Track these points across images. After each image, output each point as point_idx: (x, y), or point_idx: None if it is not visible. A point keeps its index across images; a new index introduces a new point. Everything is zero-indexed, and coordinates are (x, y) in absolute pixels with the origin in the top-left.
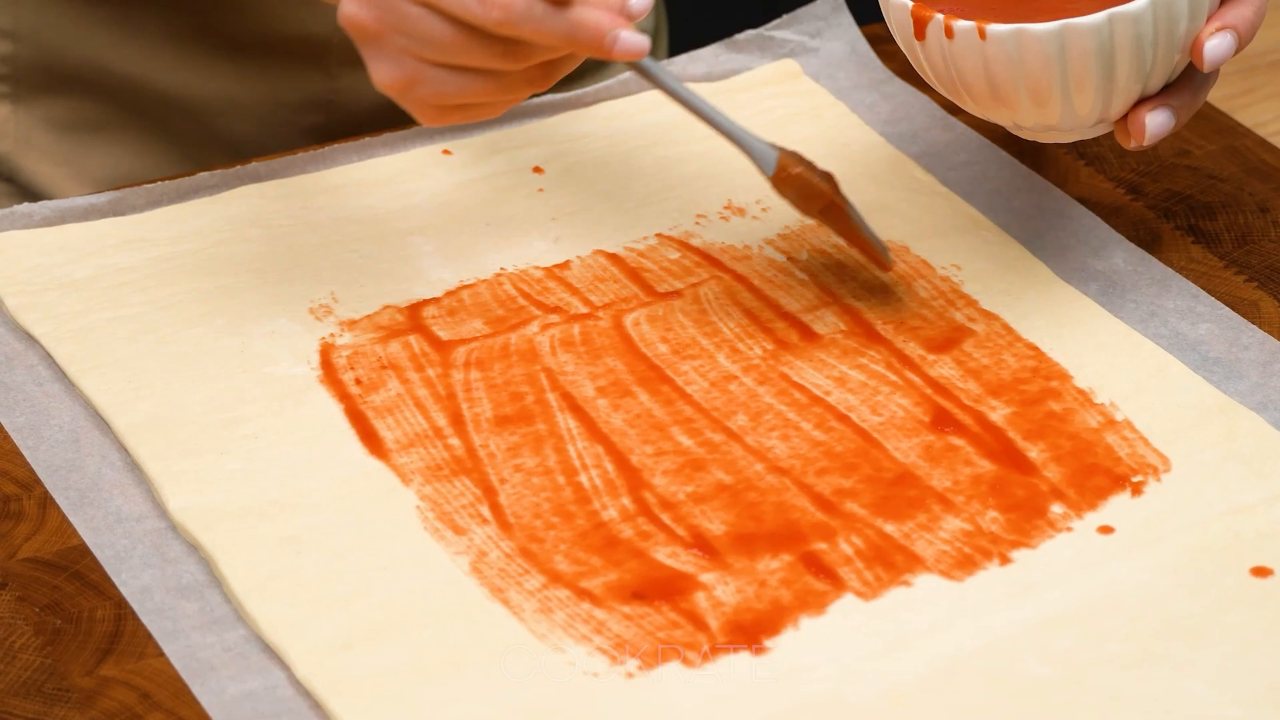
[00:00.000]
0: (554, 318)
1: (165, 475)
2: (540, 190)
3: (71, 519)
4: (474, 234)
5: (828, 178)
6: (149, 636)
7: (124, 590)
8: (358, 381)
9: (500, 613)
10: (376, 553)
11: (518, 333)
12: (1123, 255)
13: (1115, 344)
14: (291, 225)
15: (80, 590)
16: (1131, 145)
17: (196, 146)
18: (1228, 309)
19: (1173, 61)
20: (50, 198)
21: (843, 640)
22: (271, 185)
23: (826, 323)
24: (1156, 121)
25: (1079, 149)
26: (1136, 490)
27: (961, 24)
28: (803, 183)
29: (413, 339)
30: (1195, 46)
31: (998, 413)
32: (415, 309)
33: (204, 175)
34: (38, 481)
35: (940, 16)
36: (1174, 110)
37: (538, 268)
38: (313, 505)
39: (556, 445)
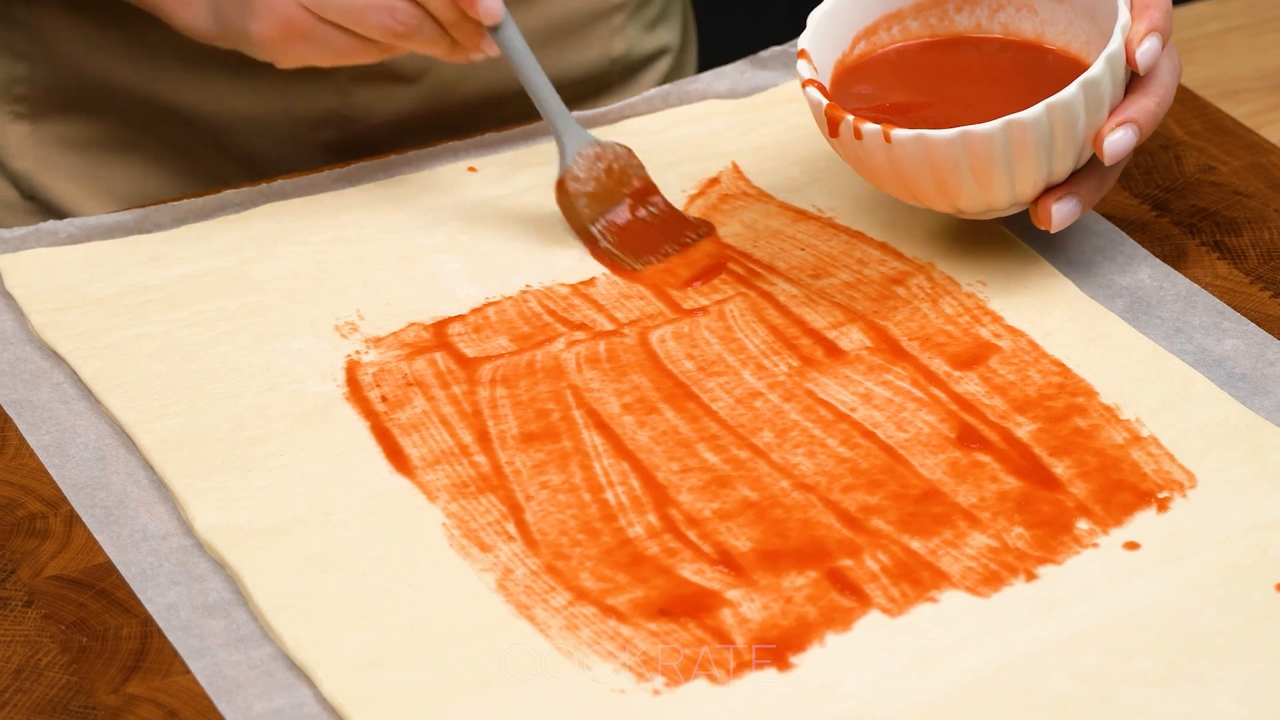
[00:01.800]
0: (580, 334)
1: (191, 493)
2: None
3: (97, 537)
4: (499, 251)
5: (609, 196)
6: (175, 654)
7: (150, 608)
8: (383, 399)
9: (526, 630)
10: (402, 570)
11: (543, 350)
12: (1148, 271)
13: (1141, 360)
14: (317, 243)
15: (106, 608)
16: (1042, 228)
17: (213, 163)
18: (1253, 325)
19: (1074, 154)
20: (70, 214)
21: (869, 657)
22: (297, 203)
23: (852, 339)
24: (1063, 211)
25: None
26: (1162, 506)
27: (869, 127)
28: (566, 205)
29: (438, 356)
30: (1096, 140)
31: (1023, 429)
32: (441, 326)
33: (230, 193)
34: (64, 499)
35: (850, 118)
36: (1080, 198)
37: (563, 284)
38: (339, 523)
39: (582, 462)
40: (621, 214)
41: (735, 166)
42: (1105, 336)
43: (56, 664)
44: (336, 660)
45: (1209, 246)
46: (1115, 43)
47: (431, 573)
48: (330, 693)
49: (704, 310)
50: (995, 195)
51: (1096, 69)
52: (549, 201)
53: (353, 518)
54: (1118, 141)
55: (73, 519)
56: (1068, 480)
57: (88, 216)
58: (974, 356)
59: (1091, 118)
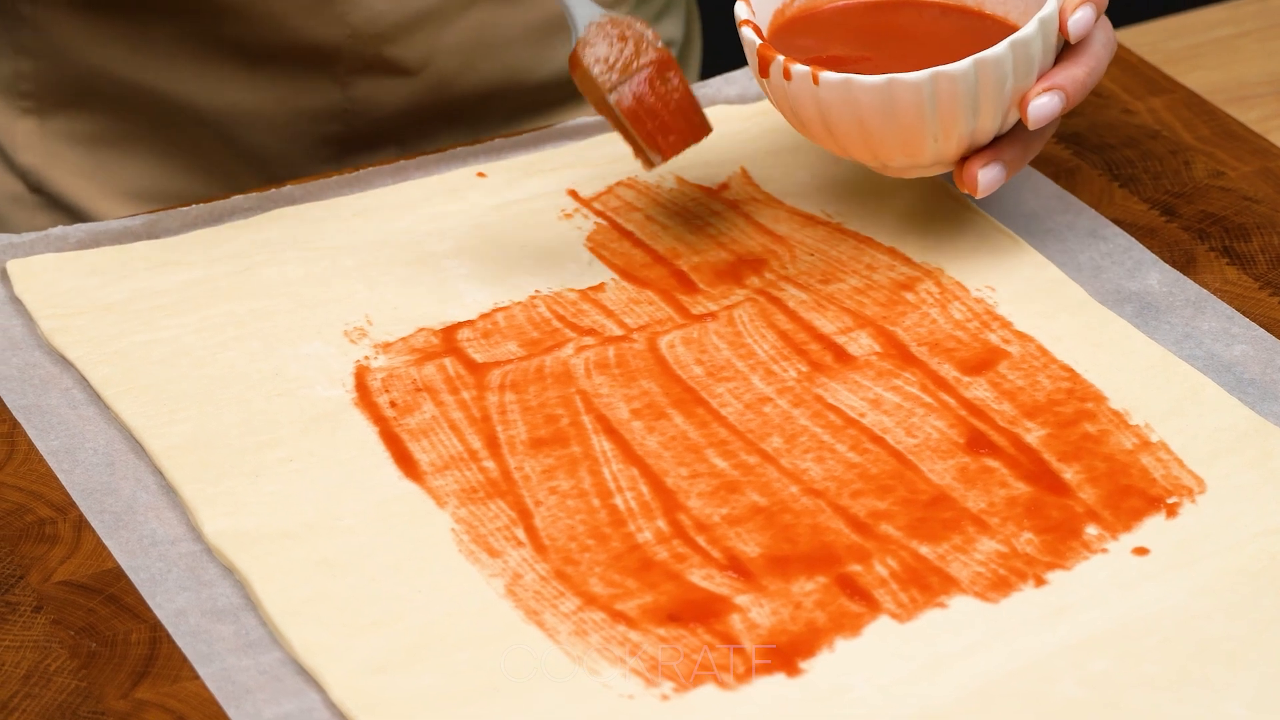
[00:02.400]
0: (589, 340)
1: (200, 498)
2: (575, 211)
3: (107, 542)
4: (508, 256)
5: (626, 66)
6: (184, 659)
7: (159, 613)
8: (393, 404)
9: (535, 635)
10: (411, 575)
11: (552, 355)
12: (1158, 277)
13: (1150, 366)
14: (326, 248)
15: (115, 613)
16: (966, 192)
17: (218, 157)
18: (1263, 330)
19: (1000, 115)
20: (78, 208)
21: (878, 662)
22: (306, 208)
23: (861, 345)
24: (989, 176)
25: (1114, 171)
26: (1171, 512)
27: (798, 68)
28: (582, 75)
29: (447, 361)
30: (1022, 105)
31: (1033, 434)
32: (450, 331)
33: (239, 198)
34: (73, 504)
35: (781, 59)
36: (1005, 164)
37: (572, 290)
38: (348, 528)
39: (591, 468)
40: (640, 87)
41: (744, 171)
42: (1114, 342)
43: (65, 669)
44: (345, 665)
45: (1218, 252)
46: (1049, 7)
47: (440, 578)
48: (339, 698)
49: (713, 316)
50: (919, 149)
51: (1028, 30)
52: (558, 206)
53: (362, 523)
54: (1043, 106)
55: (82, 524)
56: (1077, 485)
57: (97, 221)
58: (983, 362)
59: (1019, 80)
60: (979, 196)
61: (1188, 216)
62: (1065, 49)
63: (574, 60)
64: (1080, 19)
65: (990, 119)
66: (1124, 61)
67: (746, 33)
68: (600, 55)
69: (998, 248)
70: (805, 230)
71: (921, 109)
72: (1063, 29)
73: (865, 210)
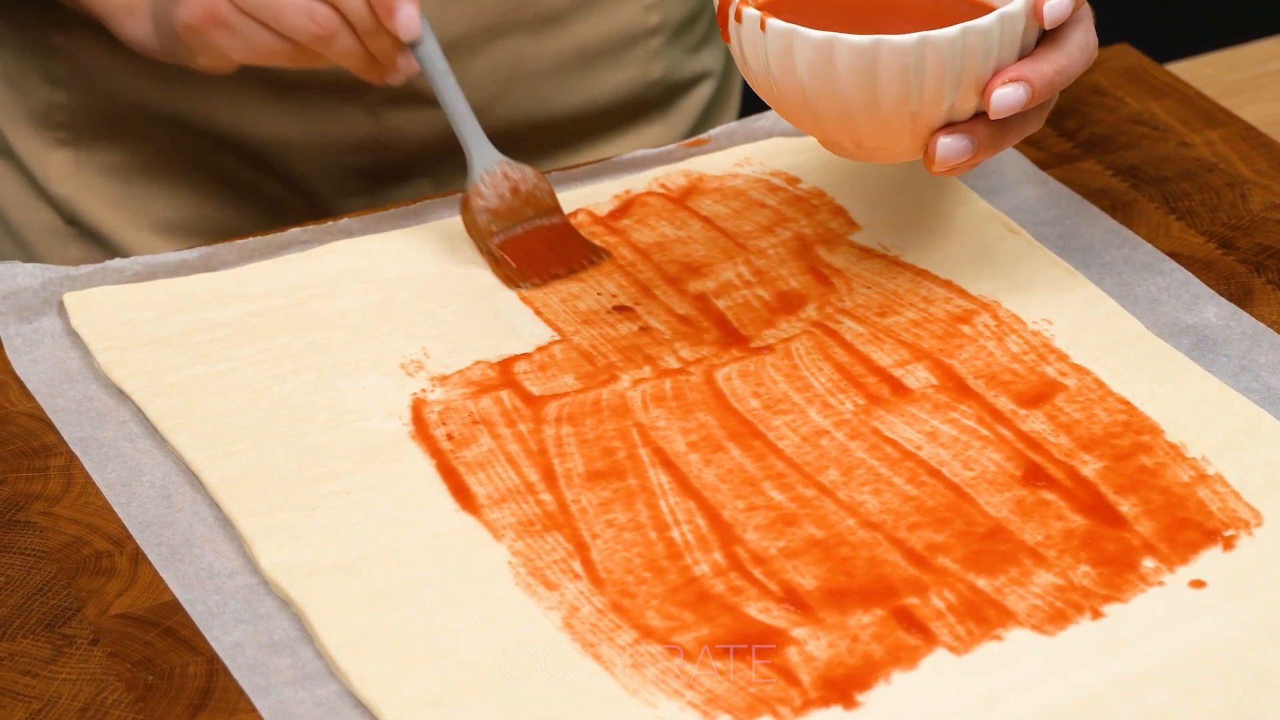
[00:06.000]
0: (645, 373)
1: (257, 531)
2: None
3: (163, 575)
4: (564, 289)
5: (505, 214)
6: (241, 692)
7: (216, 646)
8: (449, 437)
9: (592, 668)
10: (468, 608)
11: (609, 388)
12: (1214, 310)
13: (1207, 399)
14: (382, 281)
15: (172, 646)
16: (929, 169)
17: (250, 189)
18: None
19: (947, 101)
20: (111, 240)
21: (935, 695)
22: (362, 241)
23: (918, 377)
24: (949, 146)
25: (1170, 203)
26: (1228, 544)
27: (749, 11)
28: (469, 221)
29: (504, 394)
30: (985, 94)
31: (1089, 467)
32: (507, 364)
33: (295, 231)
34: (130, 537)
35: (736, 1)
36: (973, 140)
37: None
38: (404, 561)
39: (648, 500)
40: (520, 231)
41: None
42: (1171, 375)
43: (123, 702)
44: (402, 698)
45: (1275, 285)
46: (1016, 4)
47: (497, 611)
48: None
49: (769, 349)
50: (858, 119)
51: (986, 20)
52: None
53: (418, 555)
54: (1006, 96)
55: (138, 557)
56: (1133, 518)
57: (153, 255)
58: (1040, 394)
59: (973, 67)
60: (935, 167)
61: (1245, 249)
62: (1039, 44)
63: (464, 203)
64: (1056, 5)
65: (934, 104)
66: (1180, 94)
67: None
68: (487, 206)
69: (1054, 281)
70: (862, 263)
71: (861, 72)
72: (1037, 13)
73: (922, 243)
